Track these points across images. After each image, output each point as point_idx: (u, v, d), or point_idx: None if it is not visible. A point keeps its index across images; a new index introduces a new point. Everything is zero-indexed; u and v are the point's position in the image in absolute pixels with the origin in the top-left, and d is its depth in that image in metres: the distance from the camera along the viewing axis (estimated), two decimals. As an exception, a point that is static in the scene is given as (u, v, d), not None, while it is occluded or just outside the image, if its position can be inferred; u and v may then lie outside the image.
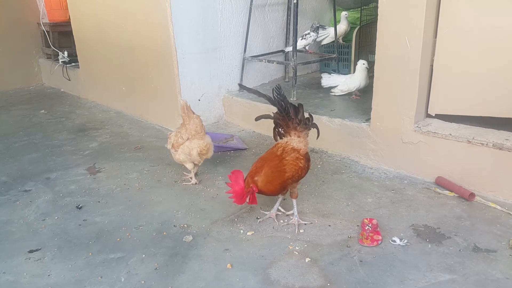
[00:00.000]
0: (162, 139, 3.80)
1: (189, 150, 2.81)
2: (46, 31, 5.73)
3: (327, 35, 4.43)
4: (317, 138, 2.51)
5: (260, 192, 2.25)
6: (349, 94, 3.80)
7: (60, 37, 5.73)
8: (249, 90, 2.56)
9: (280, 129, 2.48)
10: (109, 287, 1.99)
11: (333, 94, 3.87)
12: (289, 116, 2.38)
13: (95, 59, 4.86)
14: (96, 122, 4.38)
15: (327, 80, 3.96)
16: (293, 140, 2.36)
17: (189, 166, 2.90)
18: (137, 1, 3.89)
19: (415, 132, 2.81)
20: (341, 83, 3.83)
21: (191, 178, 2.96)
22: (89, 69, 5.07)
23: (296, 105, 2.43)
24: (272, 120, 2.48)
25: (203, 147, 2.80)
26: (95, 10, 4.53)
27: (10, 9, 5.75)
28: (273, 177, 2.24)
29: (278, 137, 2.50)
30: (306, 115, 2.47)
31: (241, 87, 2.94)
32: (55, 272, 2.10)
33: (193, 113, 2.84)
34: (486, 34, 2.56)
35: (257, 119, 2.55)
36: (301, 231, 2.34)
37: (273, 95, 2.39)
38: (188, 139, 2.80)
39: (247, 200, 2.23)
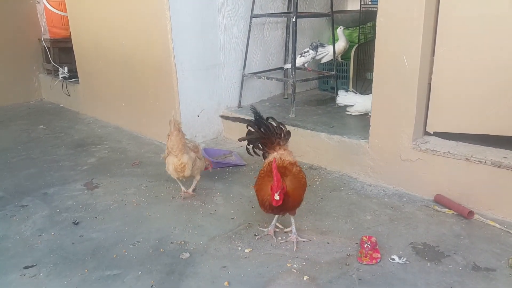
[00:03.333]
0: (160, 154, 3.79)
1: (167, 165, 2.84)
2: (47, 47, 5.77)
3: (327, 53, 4.47)
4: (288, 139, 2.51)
5: (286, 197, 2.15)
6: (364, 114, 3.66)
7: (61, 53, 5.77)
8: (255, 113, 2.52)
9: (260, 146, 2.50)
10: (105, 305, 1.96)
11: (348, 113, 3.77)
12: (271, 132, 2.42)
13: (95, 75, 4.89)
14: (94, 138, 4.38)
15: (343, 98, 3.88)
16: (283, 154, 2.36)
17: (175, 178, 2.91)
18: (138, 18, 3.93)
19: (413, 149, 2.81)
20: (358, 103, 3.71)
21: (185, 192, 2.98)
22: (88, 84, 5.09)
23: (265, 120, 2.47)
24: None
25: (177, 165, 2.78)
26: (95, 27, 4.58)
27: (11, 25, 5.80)
28: (295, 186, 2.22)
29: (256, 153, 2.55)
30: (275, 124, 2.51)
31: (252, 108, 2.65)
32: (50, 289, 2.08)
33: (178, 130, 2.78)
34: (483, 52, 2.59)
35: (240, 140, 2.58)
36: (297, 248, 2.32)
37: (255, 117, 2.44)
38: (167, 154, 2.84)
39: (277, 197, 2.11)
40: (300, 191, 2.26)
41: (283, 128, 2.50)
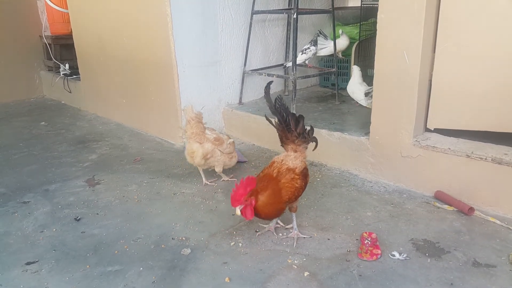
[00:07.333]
0: (161, 151, 3.81)
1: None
2: (48, 43, 5.78)
3: (326, 47, 4.46)
4: (313, 149, 2.50)
5: (255, 211, 2.20)
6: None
7: (62, 49, 5.78)
8: (267, 98, 2.48)
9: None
10: (106, 300, 1.97)
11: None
12: (289, 128, 2.37)
13: (96, 71, 4.89)
14: (96, 134, 4.39)
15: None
16: (289, 157, 2.34)
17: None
18: (139, 15, 3.93)
19: (414, 146, 2.81)
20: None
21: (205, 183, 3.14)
22: (90, 81, 5.10)
23: (297, 116, 2.40)
24: (274, 131, 2.47)
25: (188, 151, 3.01)
26: (96, 23, 4.58)
27: (12, 22, 5.81)
28: (272, 201, 2.21)
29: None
30: (308, 128, 2.46)
31: (266, 92, 2.57)
32: (52, 284, 2.08)
33: (192, 119, 2.98)
34: (484, 49, 2.58)
35: (267, 119, 2.51)
36: (297, 244, 2.33)
37: (275, 104, 2.37)
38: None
39: (239, 209, 2.16)
40: (277, 205, 2.23)
41: (311, 132, 2.44)
